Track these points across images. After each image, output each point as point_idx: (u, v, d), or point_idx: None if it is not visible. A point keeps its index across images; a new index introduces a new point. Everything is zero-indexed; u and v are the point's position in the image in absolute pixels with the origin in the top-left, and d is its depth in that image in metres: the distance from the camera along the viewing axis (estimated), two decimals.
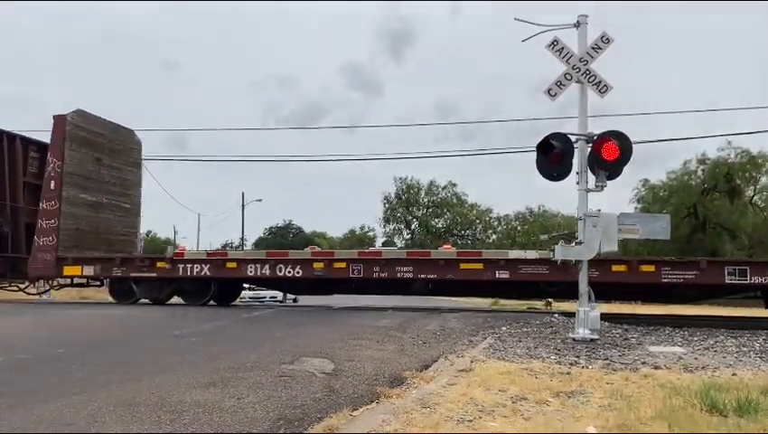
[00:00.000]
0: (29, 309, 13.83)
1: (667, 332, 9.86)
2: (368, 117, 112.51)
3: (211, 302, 15.45)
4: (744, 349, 7.98)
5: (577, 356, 7.10)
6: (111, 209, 17.40)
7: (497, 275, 13.31)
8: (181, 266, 14.87)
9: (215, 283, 15.15)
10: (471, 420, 3.95)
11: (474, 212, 62.45)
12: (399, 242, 59.69)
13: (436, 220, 62.85)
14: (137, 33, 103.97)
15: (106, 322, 10.79)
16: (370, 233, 68.90)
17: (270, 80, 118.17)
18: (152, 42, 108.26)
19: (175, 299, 15.91)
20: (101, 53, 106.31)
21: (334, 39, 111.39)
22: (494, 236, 61.47)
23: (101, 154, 17.04)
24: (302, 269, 14.25)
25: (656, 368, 6.28)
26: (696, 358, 7.06)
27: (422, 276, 13.78)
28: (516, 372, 5.72)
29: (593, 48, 9.12)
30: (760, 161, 41.00)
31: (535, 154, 9.09)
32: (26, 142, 18.00)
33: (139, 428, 3.80)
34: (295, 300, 25.23)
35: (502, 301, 21.63)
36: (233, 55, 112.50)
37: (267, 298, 25.43)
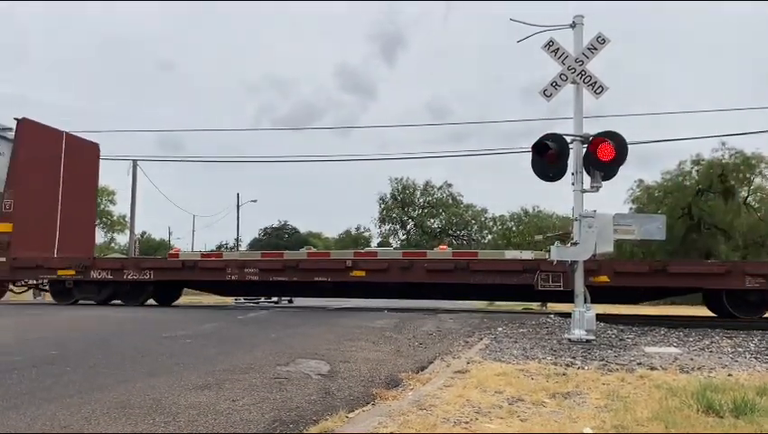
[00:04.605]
0: (23, 311, 13.76)
1: (662, 332, 9.87)
2: (362, 118, 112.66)
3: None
4: (740, 349, 7.99)
5: (573, 357, 7.09)
6: None
7: None
8: None
9: None
10: (467, 422, 3.94)
11: (470, 212, 62.54)
12: (395, 243, 59.69)
13: (432, 220, 62.88)
14: (133, 34, 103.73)
15: (99, 323, 10.73)
16: (366, 234, 68.86)
17: (265, 81, 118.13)
18: (147, 43, 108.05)
19: None
20: (97, 54, 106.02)
21: (327, 42, 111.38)
22: (489, 236, 61.55)
23: None
24: None
25: (652, 369, 6.28)
26: (691, 359, 7.06)
27: None
28: (512, 374, 5.70)
29: (588, 49, 9.13)
30: (754, 162, 41.18)
31: (530, 154, 9.10)
32: None
33: (133, 430, 3.77)
34: (290, 301, 25.17)
35: (498, 302, 21.60)
36: (227, 57, 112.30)
37: (263, 299, 25.36)
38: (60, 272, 15.50)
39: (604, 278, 13.03)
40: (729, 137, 43.76)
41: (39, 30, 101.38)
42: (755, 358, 7.28)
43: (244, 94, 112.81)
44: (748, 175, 42.12)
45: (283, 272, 14.36)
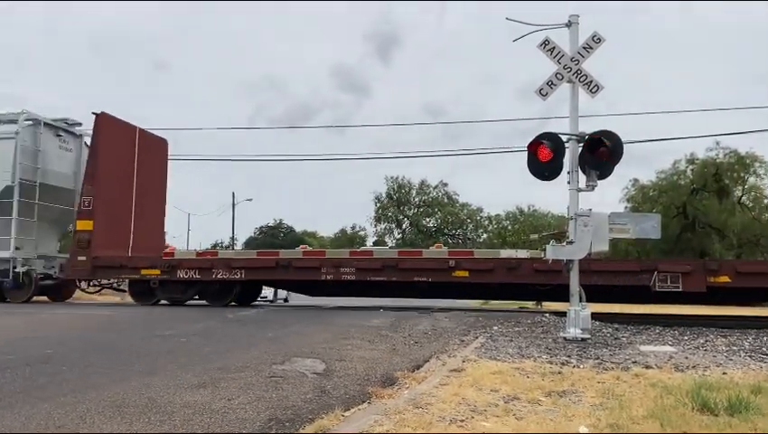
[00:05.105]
0: (20, 309, 13.70)
1: (657, 331, 9.90)
2: (357, 117, 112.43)
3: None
4: (734, 348, 8.02)
5: (569, 356, 7.11)
6: None
7: None
8: None
9: None
10: (463, 420, 3.94)
11: (465, 211, 62.62)
12: (390, 242, 59.68)
13: (427, 219, 62.92)
14: (132, 33, 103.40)
15: (95, 322, 10.70)
16: (361, 233, 68.81)
17: (261, 81, 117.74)
18: (146, 43, 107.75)
19: None
20: (92, 53, 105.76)
21: (323, 42, 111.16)
22: (485, 235, 61.65)
23: None
24: None
25: (647, 367, 6.29)
26: (686, 357, 7.08)
27: None
28: (508, 372, 5.71)
29: (584, 48, 9.13)
30: (748, 161, 41.40)
31: (526, 153, 9.10)
32: None
33: (128, 429, 3.76)
34: (285, 300, 25.16)
35: (493, 301, 21.61)
36: (226, 56, 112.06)
37: (258, 298, 25.31)
38: (143, 272, 15.08)
39: (724, 279, 12.45)
40: (723, 137, 44.07)
41: (39, 30, 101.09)
42: (750, 356, 7.31)
43: (242, 93, 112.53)
44: (742, 175, 42.35)
45: (381, 272, 13.87)
